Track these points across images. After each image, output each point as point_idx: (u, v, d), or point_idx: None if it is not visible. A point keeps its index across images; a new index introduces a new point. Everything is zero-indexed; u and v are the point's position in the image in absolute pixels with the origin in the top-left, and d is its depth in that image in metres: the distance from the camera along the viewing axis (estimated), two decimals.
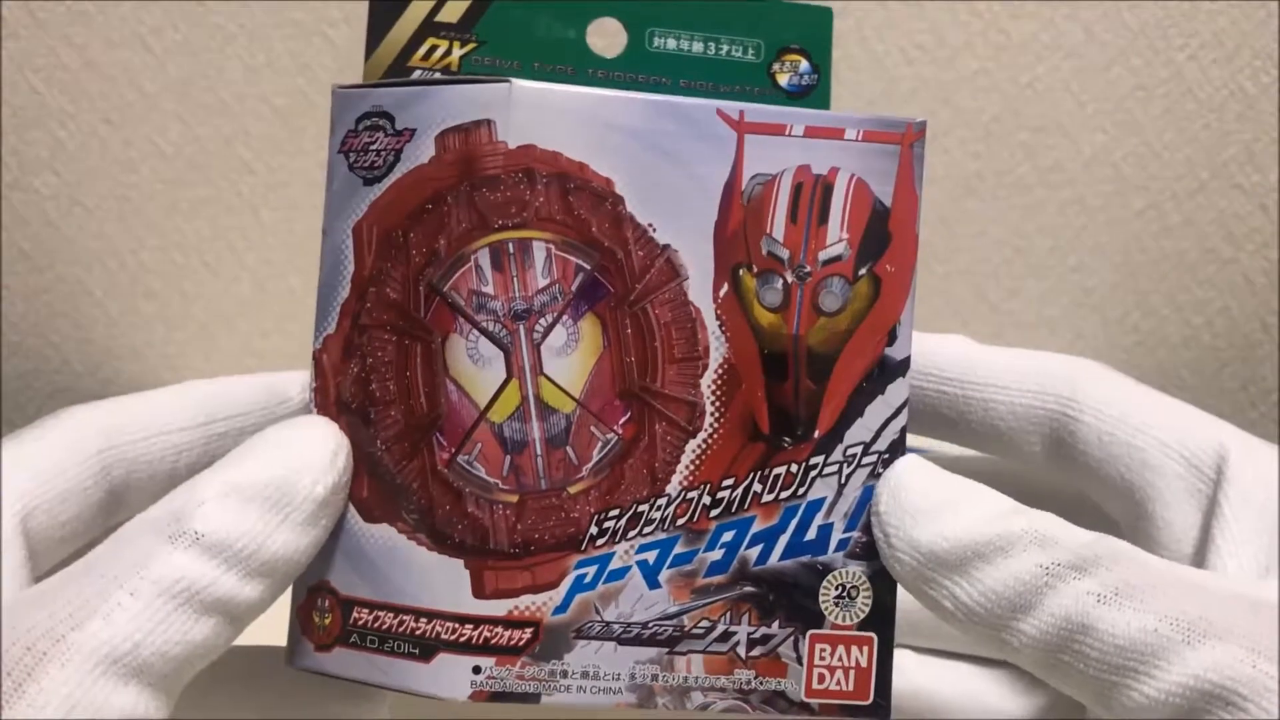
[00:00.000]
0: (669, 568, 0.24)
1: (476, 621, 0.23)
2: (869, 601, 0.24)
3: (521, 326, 0.23)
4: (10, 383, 0.52)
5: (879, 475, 0.24)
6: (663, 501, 0.24)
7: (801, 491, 0.24)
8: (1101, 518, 0.27)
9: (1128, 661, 0.21)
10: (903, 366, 0.24)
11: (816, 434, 0.24)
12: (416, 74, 0.25)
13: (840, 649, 0.24)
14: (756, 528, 0.24)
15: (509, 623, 0.23)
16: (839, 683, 0.24)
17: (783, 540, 0.24)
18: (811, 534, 0.24)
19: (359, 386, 0.24)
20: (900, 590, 0.24)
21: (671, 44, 0.26)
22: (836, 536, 0.24)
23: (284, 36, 0.49)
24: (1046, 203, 0.53)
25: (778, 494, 0.24)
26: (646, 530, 0.24)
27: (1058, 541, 0.22)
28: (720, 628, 0.24)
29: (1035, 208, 0.53)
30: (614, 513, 0.24)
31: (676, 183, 0.23)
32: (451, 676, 0.23)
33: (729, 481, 0.24)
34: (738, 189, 0.24)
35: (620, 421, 0.24)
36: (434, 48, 0.25)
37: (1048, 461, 0.27)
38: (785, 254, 0.24)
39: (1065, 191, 0.53)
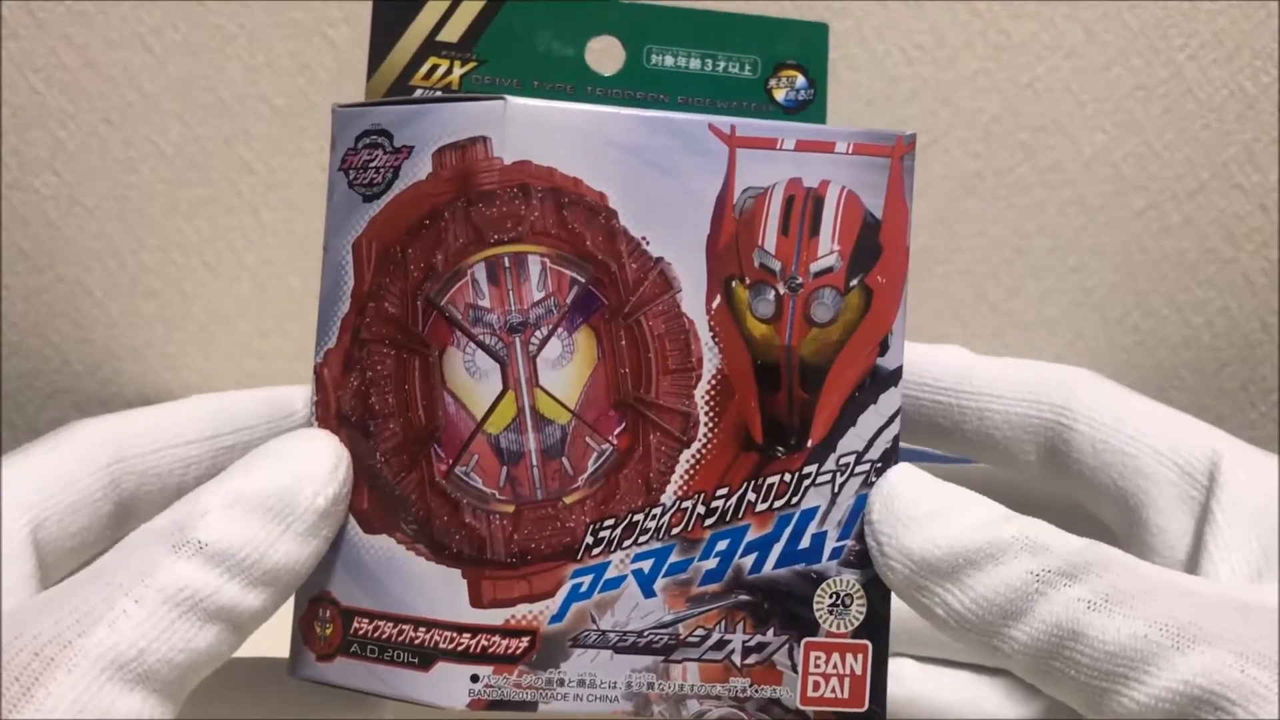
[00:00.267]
0: (664, 576, 0.24)
1: (474, 631, 0.24)
2: (863, 609, 0.24)
3: (517, 339, 0.24)
4: (10, 383, 0.53)
5: (872, 484, 0.24)
6: (657, 511, 0.24)
7: (795, 500, 0.24)
8: (1097, 525, 0.27)
9: (1118, 667, 0.21)
10: (895, 376, 0.24)
11: (810, 443, 0.24)
12: (418, 93, 0.25)
13: (835, 656, 0.24)
14: (751, 536, 0.24)
15: (506, 632, 0.24)
16: (834, 690, 0.24)
17: (777, 549, 0.24)
18: (805, 542, 0.24)
19: (359, 400, 0.24)
20: (899, 599, 0.24)
21: (669, 61, 0.26)
22: (830, 545, 0.24)
23: (284, 36, 0.49)
24: (1046, 203, 0.53)
25: (771, 503, 0.24)
26: (641, 539, 0.24)
27: (1048, 548, 0.22)
28: (715, 636, 0.24)
29: (1035, 208, 0.53)
30: (609, 522, 0.24)
31: (669, 196, 0.24)
32: (450, 685, 0.23)
33: (723, 491, 0.24)
34: (730, 202, 0.24)
35: (615, 432, 0.24)
36: (435, 67, 0.26)
37: (1043, 470, 0.28)
38: (777, 266, 0.24)
39: (1065, 191, 0.53)
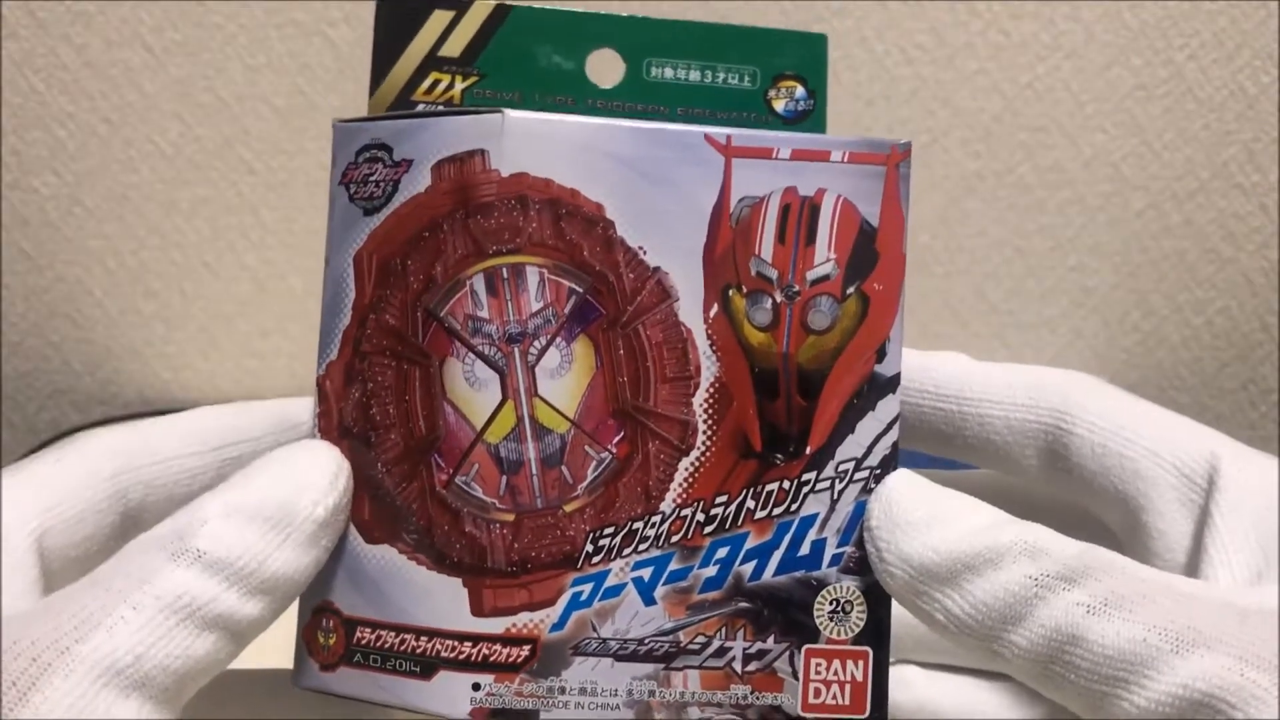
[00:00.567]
0: (664, 584, 0.24)
1: (475, 639, 0.24)
2: (863, 616, 0.24)
3: (516, 349, 0.24)
4: (10, 383, 0.53)
5: (871, 490, 0.24)
6: (657, 519, 0.24)
7: (794, 507, 0.24)
8: (1099, 529, 0.27)
9: (1117, 672, 0.21)
10: (893, 383, 0.24)
11: (808, 450, 0.24)
12: (420, 107, 0.26)
13: (836, 663, 0.24)
14: (750, 544, 0.24)
15: (507, 640, 0.24)
16: (835, 697, 0.24)
17: (776, 556, 0.24)
18: (805, 549, 0.24)
19: (360, 411, 0.25)
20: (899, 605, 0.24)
21: (669, 73, 0.26)
22: (830, 552, 0.24)
23: (284, 36, 0.49)
24: (1046, 203, 0.53)
25: (771, 510, 0.24)
26: (641, 547, 0.24)
27: (1047, 552, 0.22)
28: (716, 643, 0.24)
29: (1035, 208, 0.53)
30: (609, 530, 0.24)
31: (666, 207, 0.24)
32: (451, 694, 0.24)
33: (722, 498, 0.24)
34: (726, 211, 0.24)
35: (614, 441, 0.24)
36: (437, 81, 0.26)
37: (1044, 475, 0.28)
38: (774, 274, 0.24)
39: (1065, 191, 0.53)
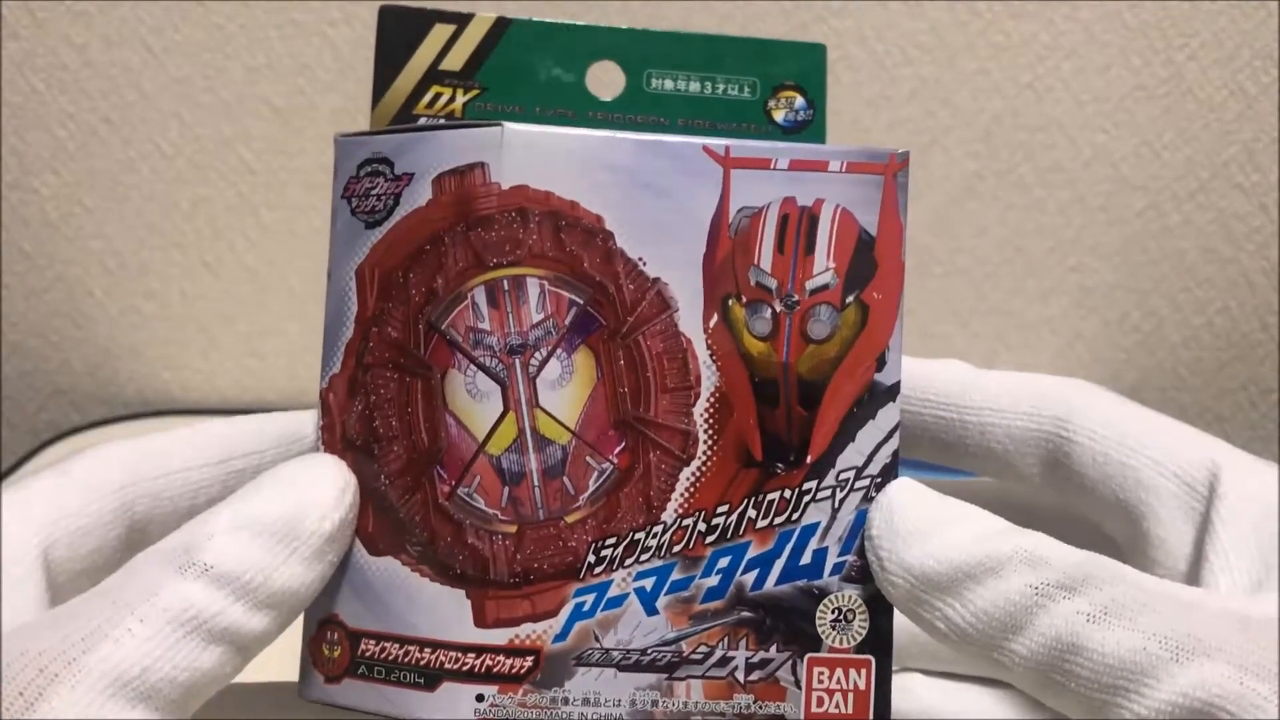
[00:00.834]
0: (666, 594, 0.24)
1: (479, 650, 0.24)
2: (865, 624, 0.24)
3: (517, 361, 0.24)
4: (10, 383, 0.53)
5: (872, 499, 0.24)
6: (658, 529, 0.24)
7: (796, 516, 0.24)
8: (1100, 537, 0.27)
9: (1118, 680, 0.21)
10: (893, 391, 0.25)
11: (809, 459, 0.24)
12: (421, 121, 0.26)
13: (838, 672, 0.24)
14: (752, 553, 0.24)
15: (510, 651, 0.24)
16: (838, 706, 0.24)
17: (778, 565, 0.24)
18: (807, 558, 0.24)
19: (363, 424, 0.25)
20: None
21: (669, 84, 0.26)
22: (831, 560, 0.24)
23: (284, 36, 0.49)
24: (1046, 203, 0.53)
25: (772, 519, 0.24)
26: (643, 558, 0.24)
27: (1047, 561, 0.22)
28: (718, 653, 0.24)
29: (1035, 208, 0.53)
30: (611, 541, 0.24)
31: (665, 218, 0.24)
32: (455, 705, 0.24)
33: (723, 508, 0.24)
34: (725, 222, 0.24)
35: (615, 451, 0.24)
36: (438, 95, 0.26)
37: (1045, 483, 0.28)
38: (773, 284, 0.24)
39: (1065, 191, 0.53)
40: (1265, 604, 0.22)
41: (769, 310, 0.24)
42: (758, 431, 0.24)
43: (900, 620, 0.24)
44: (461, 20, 0.26)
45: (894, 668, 0.31)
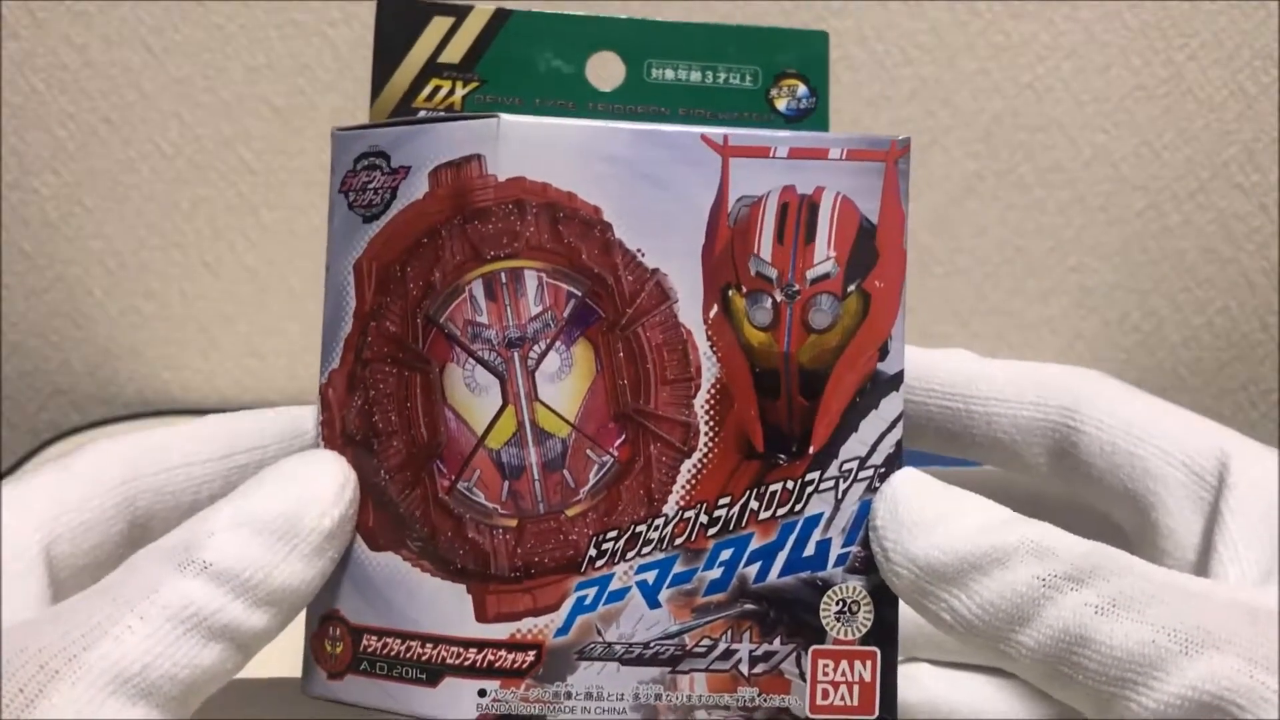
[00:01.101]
0: (669, 587, 0.24)
1: (480, 645, 0.24)
2: (870, 616, 0.24)
3: (516, 354, 0.24)
4: (10, 383, 0.53)
5: (876, 489, 0.24)
6: (660, 522, 0.24)
7: (798, 508, 0.24)
8: (1108, 526, 0.27)
9: (1126, 673, 0.21)
10: (896, 381, 0.24)
11: (811, 450, 0.24)
12: (421, 114, 0.26)
13: (843, 664, 0.24)
14: (754, 545, 0.24)
15: (512, 645, 0.24)
16: (843, 698, 0.24)
17: (781, 557, 0.24)
18: (810, 550, 0.24)
19: (363, 419, 0.25)
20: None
21: (669, 74, 0.26)
22: (835, 551, 0.24)
23: (284, 36, 0.49)
24: (1046, 203, 0.53)
25: (774, 511, 0.24)
26: (645, 551, 0.24)
27: (1054, 552, 0.22)
28: (722, 646, 0.24)
29: (1035, 208, 0.53)
30: (612, 534, 0.24)
31: (664, 208, 0.24)
32: (457, 700, 0.24)
33: (725, 500, 0.24)
34: (724, 211, 0.24)
35: (615, 444, 0.24)
36: (437, 88, 0.26)
37: (1053, 473, 0.27)
38: (773, 273, 0.24)
39: (1065, 191, 0.53)
40: (1274, 595, 0.22)
41: (769, 300, 0.24)
42: (759, 423, 0.24)
43: (907, 610, 0.24)
44: (460, 12, 0.26)
45: (901, 658, 0.31)
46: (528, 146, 0.24)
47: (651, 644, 0.24)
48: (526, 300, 0.24)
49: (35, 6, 0.48)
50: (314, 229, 0.51)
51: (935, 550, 0.22)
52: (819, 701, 0.24)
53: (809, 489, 0.24)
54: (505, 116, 0.24)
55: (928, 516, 0.23)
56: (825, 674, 0.24)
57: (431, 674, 0.24)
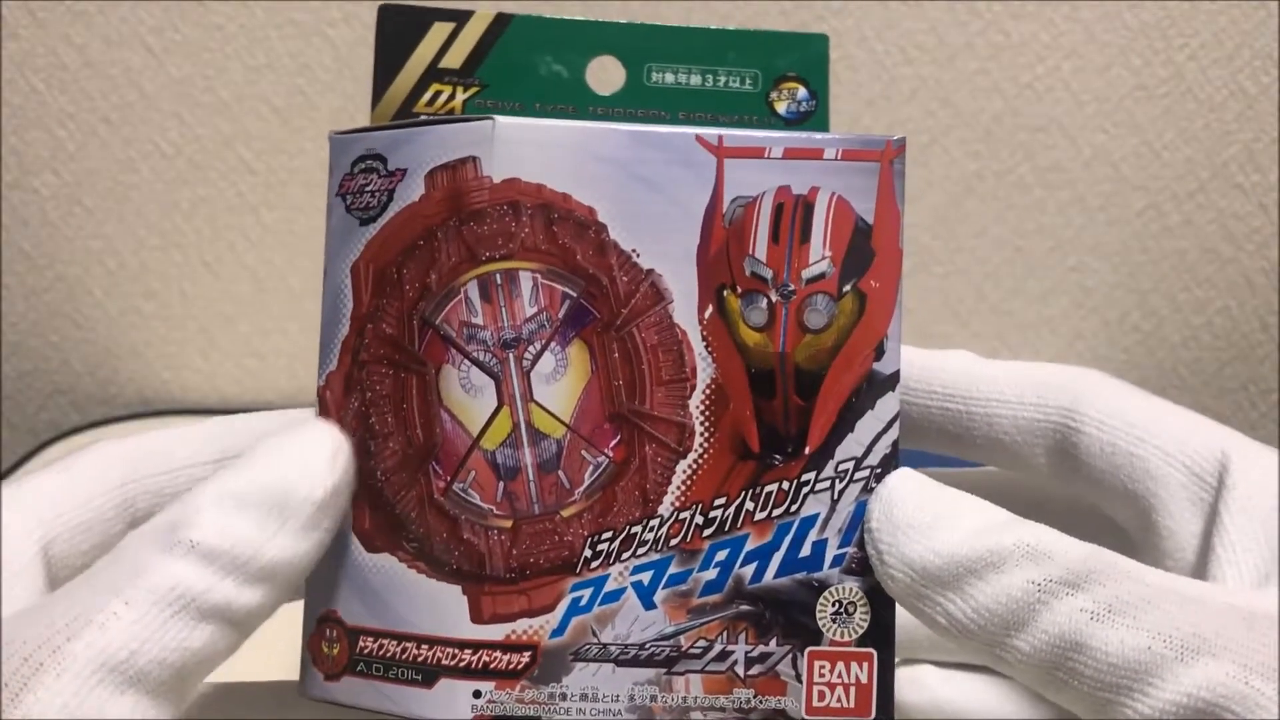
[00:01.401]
0: (664, 588, 0.24)
1: (475, 646, 0.24)
2: (866, 617, 0.24)
3: (511, 355, 0.24)
4: (10, 383, 0.53)
5: (872, 490, 0.24)
6: (655, 522, 0.24)
7: (794, 508, 0.24)
8: (1108, 526, 0.27)
9: (1121, 679, 0.21)
10: (892, 381, 0.24)
11: (807, 450, 0.24)
12: (421, 119, 0.26)
13: (840, 665, 0.24)
14: (750, 546, 0.24)
15: (507, 647, 0.24)
16: (840, 700, 0.24)
17: (777, 558, 0.24)
18: (806, 551, 0.24)
19: (359, 420, 0.25)
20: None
21: (669, 78, 0.26)
22: (831, 552, 0.24)
23: (284, 36, 0.49)
24: (1046, 203, 0.53)
25: (770, 511, 0.24)
26: (640, 551, 0.24)
27: (1050, 556, 0.22)
28: (718, 647, 0.24)
29: (1035, 208, 0.53)
30: (607, 535, 0.24)
31: (658, 209, 0.24)
32: (453, 701, 0.23)
33: (720, 501, 0.24)
34: (719, 212, 0.24)
35: (610, 444, 0.24)
36: (438, 93, 0.26)
37: (1053, 474, 0.27)
38: (768, 274, 0.24)
39: (1065, 191, 0.53)
40: (1270, 599, 0.22)
41: (765, 300, 0.24)
42: (754, 423, 0.24)
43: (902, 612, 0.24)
44: (461, 17, 0.26)
45: (904, 659, 0.30)
46: (522, 148, 0.24)
47: (647, 645, 0.24)
48: (521, 301, 0.24)
49: (35, 6, 0.48)
50: (314, 229, 0.51)
51: (930, 553, 0.22)
52: (815, 703, 0.24)
53: (805, 490, 0.24)
54: (500, 118, 0.24)
55: (923, 519, 0.23)
56: (821, 675, 0.24)
57: (427, 675, 0.24)
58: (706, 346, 0.24)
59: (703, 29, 0.26)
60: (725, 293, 0.24)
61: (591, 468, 0.24)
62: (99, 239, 0.51)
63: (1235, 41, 0.51)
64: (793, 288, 0.24)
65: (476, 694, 0.23)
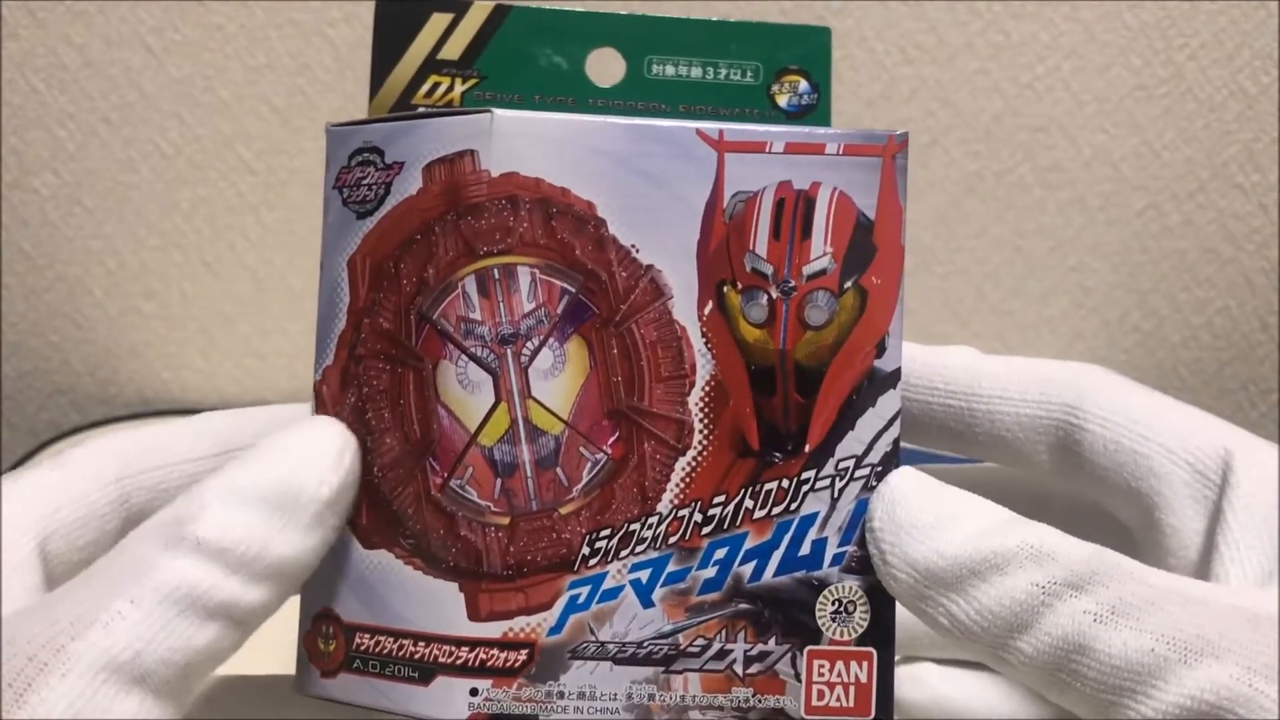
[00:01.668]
0: (662, 586, 0.24)
1: (472, 644, 0.23)
2: (866, 616, 0.24)
3: (509, 350, 0.24)
4: (10, 383, 0.53)
5: (873, 488, 0.24)
6: (654, 520, 0.24)
7: (794, 506, 0.24)
8: (1111, 523, 0.27)
9: (1125, 681, 0.21)
10: (893, 378, 0.24)
11: (807, 448, 0.24)
12: (419, 111, 0.25)
13: (839, 665, 0.24)
14: (749, 544, 0.24)
15: (504, 644, 0.23)
16: (839, 699, 0.24)
17: (776, 556, 0.24)
18: (805, 549, 0.24)
19: (356, 416, 0.24)
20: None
21: (670, 70, 0.26)
22: (831, 551, 0.24)
23: (284, 36, 0.49)
24: (1046, 203, 0.53)
25: (769, 509, 0.24)
26: (639, 549, 0.24)
27: (1053, 557, 0.22)
28: (716, 646, 0.24)
29: (1035, 208, 0.53)
30: (605, 532, 0.24)
31: (658, 204, 0.24)
32: (449, 699, 0.23)
33: (720, 498, 0.24)
34: (719, 207, 0.24)
35: (609, 441, 0.24)
36: (436, 85, 0.26)
37: (1056, 471, 0.27)
38: (769, 270, 0.24)
39: (1065, 191, 0.53)
40: (1274, 600, 0.22)
41: (765, 296, 0.24)
42: (754, 420, 0.24)
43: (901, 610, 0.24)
44: (459, 8, 0.26)
45: (906, 657, 0.30)
46: (521, 141, 0.23)
47: (645, 643, 0.24)
48: (519, 296, 0.24)
49: (35, 6, 0.48)
50: (313, 229, 0.51)
51: (933, 555, 0.22)
52: (814, 702, 0.24)
53: (805, 487, 0.24)
54: (498, 111, 0.23)
55: (926, 519, 0.23)
56: (821, 674, 0.24)
57: (424, 673, 0.23)
58: (706, 343, 0.24)
59: (704, 21, 0.26)
60: (725, 289, 0.24)
61: (590, 465, 0.24)
62: (99, 239, 0.51)
63: (1235, 41, 0.51)
64: (793, 284, 0.24)
65: (473, 692, 0.23)
